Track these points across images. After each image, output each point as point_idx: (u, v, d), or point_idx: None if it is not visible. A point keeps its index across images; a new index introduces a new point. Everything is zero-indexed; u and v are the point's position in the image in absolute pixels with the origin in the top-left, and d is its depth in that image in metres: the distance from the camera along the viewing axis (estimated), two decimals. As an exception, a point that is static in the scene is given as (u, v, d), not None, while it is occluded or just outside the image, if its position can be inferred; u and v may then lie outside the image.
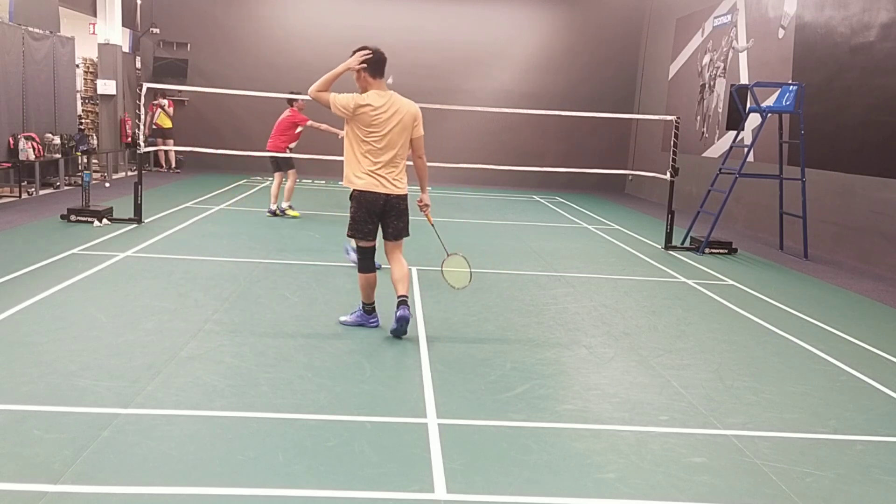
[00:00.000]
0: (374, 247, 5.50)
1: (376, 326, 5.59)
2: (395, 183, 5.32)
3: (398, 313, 5.36)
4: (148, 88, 10.14)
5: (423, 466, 3.50)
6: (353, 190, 5.34)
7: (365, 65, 5.22)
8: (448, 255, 5.76)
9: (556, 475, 3.51)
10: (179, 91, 16.91)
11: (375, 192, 5.28)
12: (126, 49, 16.80)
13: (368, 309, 5.59)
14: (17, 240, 8.30)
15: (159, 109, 17.09)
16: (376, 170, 5.26)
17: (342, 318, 5.71)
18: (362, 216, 5.34)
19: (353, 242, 6.83)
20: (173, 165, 17.53)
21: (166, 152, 17.34)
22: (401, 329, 5.37)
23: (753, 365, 5.36)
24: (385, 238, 5.50)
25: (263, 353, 4.97)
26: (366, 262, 5.50)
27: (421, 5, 18.57)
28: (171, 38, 18.12)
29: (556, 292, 7.26)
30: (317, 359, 4.92)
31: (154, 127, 17.07)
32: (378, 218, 5.38)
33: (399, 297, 5.39)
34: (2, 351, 4.70)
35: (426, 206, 5.63)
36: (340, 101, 5.21)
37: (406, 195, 5.42)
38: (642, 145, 18.38)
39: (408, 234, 5.54)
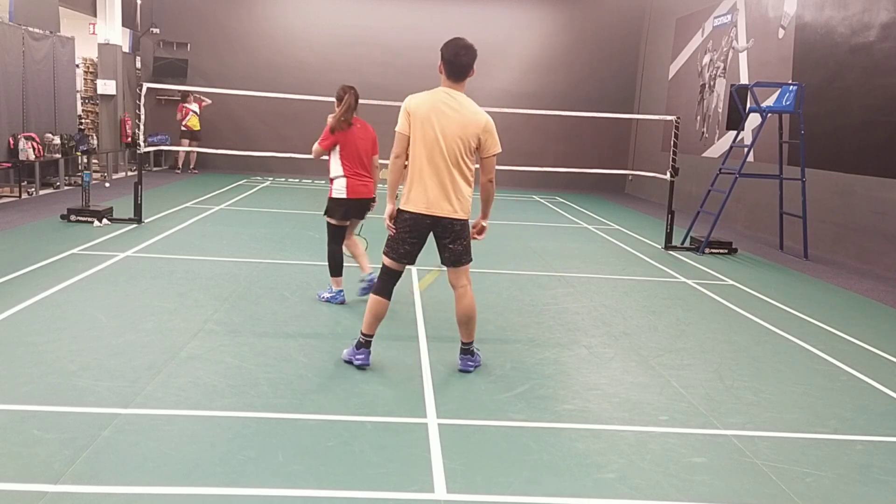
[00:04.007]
0: (400, 272, 4.75)
1: (361, 364, 4.75)
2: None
3: (459, 364, 4.87)
4: (148, 88, 10.14)
5: (423, 466, 3.50)
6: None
7: None
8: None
9: (556, 475, 3.51)
10: (179, 91, 16.89)
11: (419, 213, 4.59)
12: (126, 49, 16.79)
13: (361, 341, 4.76)
14: (17, 240, 8.30)
15: (190, 113, 17.01)
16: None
17: (344, 351, 4.96)
18: (401, 234, 4.65)
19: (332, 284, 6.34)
20: (192, 166, 17.49)
21: (187, 153, 17.29)
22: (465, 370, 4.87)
23: (753, 365, 5.36)
24: (442, 263, 4.80)
25: (263, 353, 4.96)
26: (380, 283, 4.74)
27: (421, 5, 18.58)
28: (171, 38, 18.12)
29: (556, 292, 7.26)
30: (317, 359, 4.92)
31: (183, 128, 16.98)
32: (420, 242, 4.69)
33: (462, 344, 4.86)
34: (2, 351, 4.70)
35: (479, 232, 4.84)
36: (401, 129, 4.61)
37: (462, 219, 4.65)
38: (642, 145, 18.38)
39: (471, 260, 4.75)
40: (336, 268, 6.27)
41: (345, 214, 6.16)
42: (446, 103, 4.53)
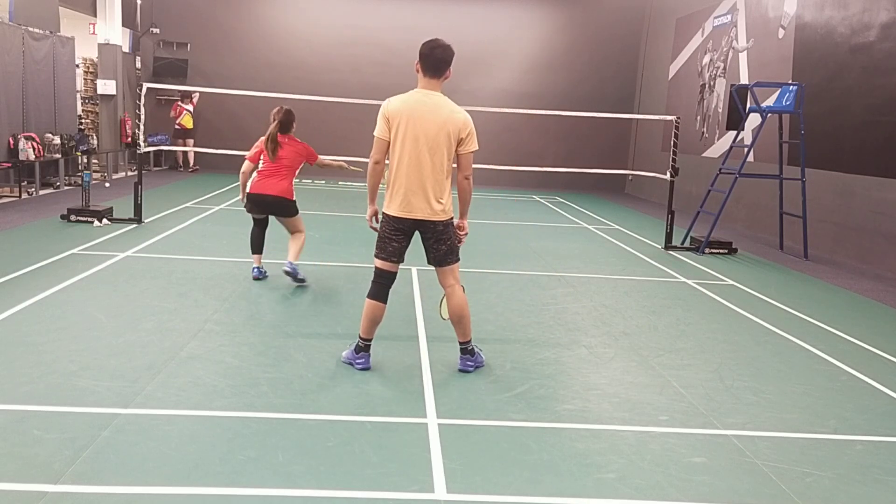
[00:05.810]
0: (392, 273, 4.71)
1: (362, 369, 4.73)
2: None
3: (459, 364, 4.87)
4: (148, 88, 10.14)
5: (423, 466, 3.50)
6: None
7: None
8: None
9: (556, 475, 3.51)
10: (179, 91, 16.91)
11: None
12: (126, 49, 16.79)
13: (361, 345, 4.75)
14: (17, 240, 8.30)
15: (185, 112, 17.09)
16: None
17: (343, 353, 4.94)
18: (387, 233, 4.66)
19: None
20: (191, 164, 17.56)
21: (185, 152, 17.43)
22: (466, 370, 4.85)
23: (753, 365, 5.36)
24: (428, 262, 4.81)
25: (263, 353, 4.97)
26: (375, 287, 4.71)
27: (420, 5, 18.57)
28: (171, 38, 18.12)
29: (556, 292, 7.26)
30: (317, 359, 4.92)
31: (177, 127, 17.13)
32: (406, 238, 4.68)
33: (459, 344, 4.85)
34: (2, 351, 4.70)
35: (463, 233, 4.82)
36: (379, 133, 4.57)
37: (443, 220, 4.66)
38: (642, 145, 18.38)
39: (457, 260, 4.75)
40: (253, 246, 7.14)
41: (251, 206, 6.94)
42: (423, 104, 4.51)
